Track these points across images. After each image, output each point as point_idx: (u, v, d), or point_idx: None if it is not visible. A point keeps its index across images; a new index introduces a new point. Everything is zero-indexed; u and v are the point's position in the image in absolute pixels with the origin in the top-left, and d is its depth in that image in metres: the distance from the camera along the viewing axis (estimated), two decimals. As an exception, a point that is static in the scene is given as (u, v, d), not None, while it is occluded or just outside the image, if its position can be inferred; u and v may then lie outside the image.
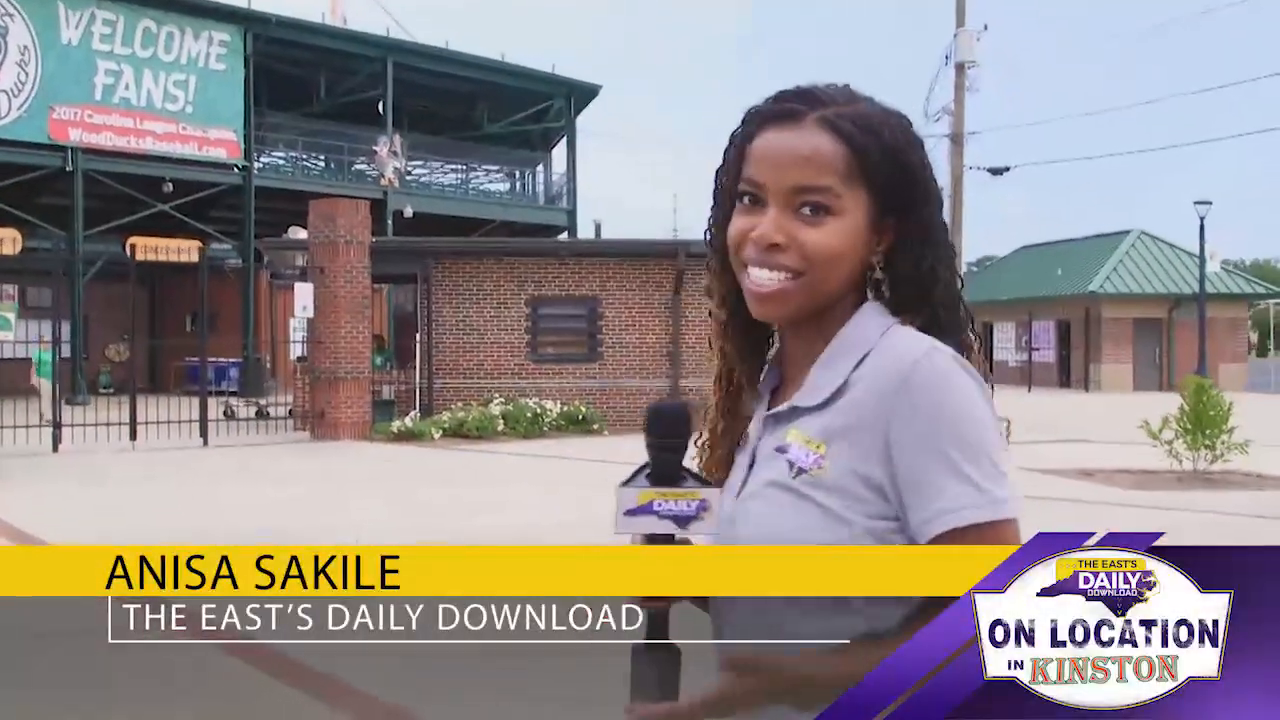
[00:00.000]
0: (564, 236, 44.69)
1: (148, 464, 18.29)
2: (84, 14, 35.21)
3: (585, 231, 46.66)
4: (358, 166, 44.62)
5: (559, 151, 49.58)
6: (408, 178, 43.48)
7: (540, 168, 50.07)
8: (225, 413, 24.94)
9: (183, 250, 29.32)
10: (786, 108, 1.79)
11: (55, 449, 19.66)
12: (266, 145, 41.52)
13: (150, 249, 22.03)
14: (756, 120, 1.81)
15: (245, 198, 38.72)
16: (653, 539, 1.73)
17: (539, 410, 22.94)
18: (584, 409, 23.73)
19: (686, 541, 1.74)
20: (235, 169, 38.74)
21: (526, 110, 46.82)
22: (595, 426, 23.59)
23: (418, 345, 24.66)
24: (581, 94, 48.21)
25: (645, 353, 25.07)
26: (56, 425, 20.01)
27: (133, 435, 20.64)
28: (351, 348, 22.27)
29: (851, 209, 1.75)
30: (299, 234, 32.83)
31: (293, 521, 12.47)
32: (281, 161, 43.42)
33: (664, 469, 1.76)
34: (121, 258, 33.14)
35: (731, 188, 1.81)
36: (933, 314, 1.81)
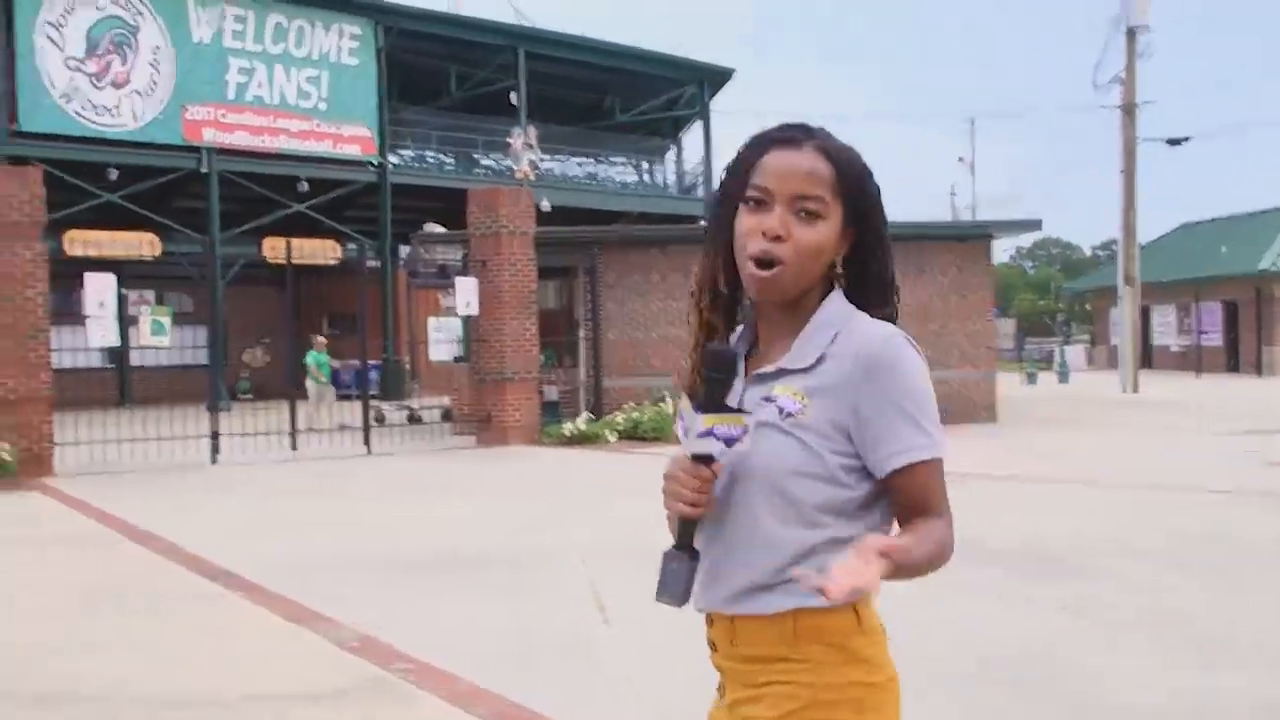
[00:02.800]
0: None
1: (315, 475, 17.07)
2: (214, 11, 34.45)
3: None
4: (486, 161, 43.64)
5: (688, 139, 48.25)
6: (539, 169, 42.27)
7: (671, 157, 48.76)
8: (375, 417, 23.80)
9: (325, 251, 28.33)
10: (790, 135, 2.33)
11: (214, 460, 18.53)
12: (400, 140, 40.49)
13: (299, 251, 20.80)
14: (765, 143, 2.33)
15: (381, 195, 37.78)
16: (698, 458, 2.21)
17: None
18: (761, 407, 22.14)
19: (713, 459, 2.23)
20: (370, 166, 37.80)
21: (658, 98, 45.42)
22: (773, 425, 21.98)
23: (581, 342, 23.29)
24: (715, 79, 46.74)
25: (822, 345, 23.44)
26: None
27: (293, 444, 19.47)
28: (519, 346, 20.88)
29: (832, 216, 2.28)
30: (436, 230, 31.80)
31: (511, 540, 11.08)
32: (410, 157, 42.37)
33: (715, 398, 2.24)
34: (258, 260, 32.38)
35: (739, 194, 2.31)
36: (882, 303, 2.36)
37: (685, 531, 2.25)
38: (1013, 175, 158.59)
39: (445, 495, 14.97)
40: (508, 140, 40.80)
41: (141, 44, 33.18)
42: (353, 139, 37.20)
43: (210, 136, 34.27)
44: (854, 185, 2.28)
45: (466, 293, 20.55)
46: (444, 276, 40.36)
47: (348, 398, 34.44)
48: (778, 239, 2.22)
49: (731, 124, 68.69)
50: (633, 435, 20.08)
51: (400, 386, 34.06)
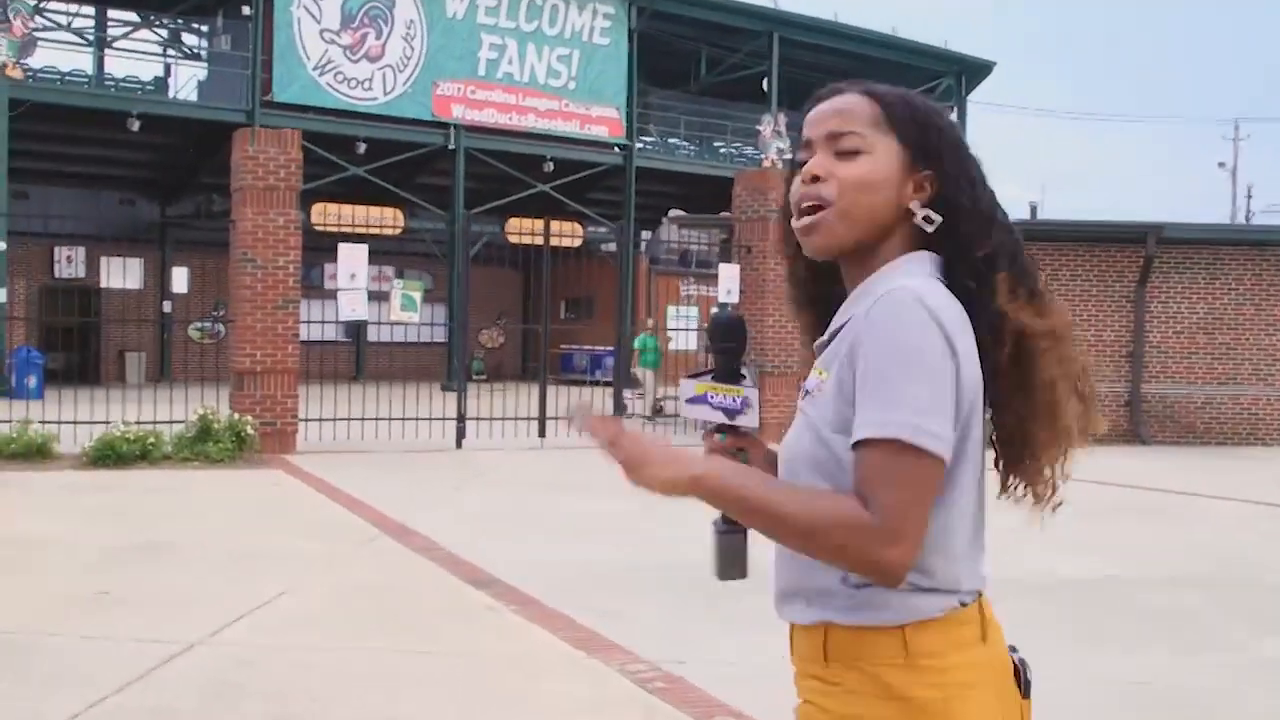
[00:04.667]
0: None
1: (567, 466, 16.00)
2: (470, -14, 34.00)
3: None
4: (725, 149, 42.57)
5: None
6: (785, 158, 40.99)
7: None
8: (618, 407, 22.89)
9: (568, 233, 27.55)
10: (833, 88, 2.12)
11: (459, 444, 17.71)
12: (643, 124, 39.58)
13: (557, 233, 19.85)
14: (812, 102, 2.12)
15: (626, 178, 36.94)
16: (719, 427, 2.13)
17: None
18: (1034, 416, 20.55)
19: (744, 431, 2.14)
20: (616, 149, 36.97)
21: (913, 89, 43.52)
22: (1046, 437, 20.40)
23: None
24: (973, 71, 44.90)
25: (1102, 352, 21.66)
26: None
27: (541, 432, 18.51)
28: (780, 338, 19.58)
29: (881, 151, 2.02)
30: (679, 216, 30.82)
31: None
32: (651, 142, 41.46)
33: (723, 369, 2.14)
34: (497, 239, 31.84)
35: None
36: (981, 240, 2.00)
37: None
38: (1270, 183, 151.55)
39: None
40: (756, 128, 39.64)
41: (396, 18, 32.91)
42: (600, 120, 36.45)
43: (459, 113, 33.87)
44: (907, 118, 2.06)
45: (729, 279, 19.35)
46: (685, 263, 39.56)
47: (582, 383, 33.81)
48: (816, 179, 2.03)
49: (989, 117, 66.65)
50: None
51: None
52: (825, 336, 2.03)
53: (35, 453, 14.70)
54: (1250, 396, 21.90)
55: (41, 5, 33.56)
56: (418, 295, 18.18)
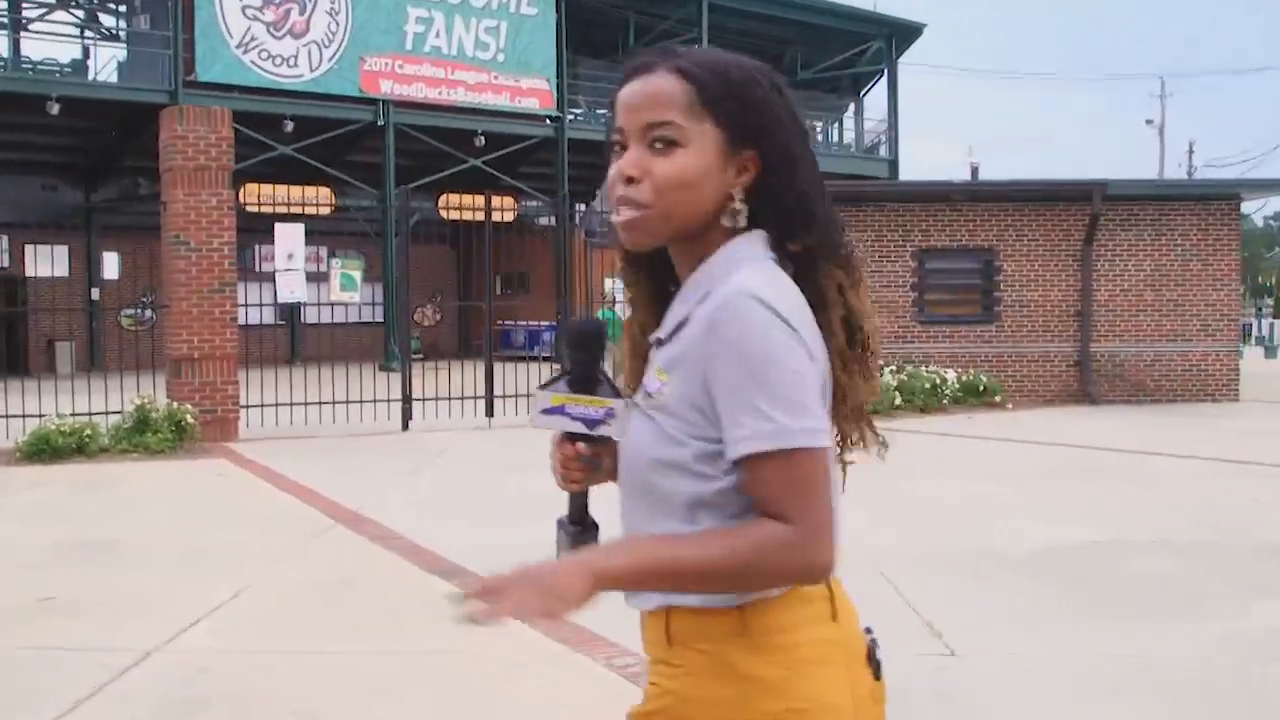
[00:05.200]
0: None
1: (518, 445, 15.52)
2: (394, -42, 33.30)
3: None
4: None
5: (869, 96, 46.32)
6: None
7: (851, 115, 46.75)
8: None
9: (502, 207, 27.11)
10: (643, 63, 1.96)
11: (405, 426, 17.26)
12: (572, 95, 39.08)
13: (473, 206, 19.38)
14: (622, 78, 1.99)
15: (558, 151, 36.45)
16: (571, 436, 2.01)
17: (939, 380, 19.70)
18: (984, 379, 20.42)
19: (602, 440, 2.00)
20: (547, 120, 36.48)
21: (842, 53, 43.37)
22: (997, 398, 20.29)
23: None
24: (904, 34, 44.66)
25: (1049, 312, 21.53)
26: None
27: (489, 411, 18.06)
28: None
29: (698, 140, 1.90)
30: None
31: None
32: (581, 113, 40.96)
33: (580, 376, 1.99)
34: (430, 216, 31.30)
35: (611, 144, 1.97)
36: (809, 238, 1.94)
37: (573, 504, 2.09)
38: (1188, 142, 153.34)
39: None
40: (689, 96, 39.21)
41: (320, -8, 32.18)
42: (531, 92, 35.92)
43: (388, 88, 33.23)
44: (723, 96, 1.92)
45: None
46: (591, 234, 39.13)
47: (520, 359, 33.39)
48: (630, 180, 1.92)
49: (922, 79, 66.66)
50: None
51: (576, 349, 32.82)
52: (663, 334, 1.96)
53: (-35, 450, 14.16)
54: (1199, 352, 21.84)
55: (-48, -12, 32.63)
56: (358, 274, 17.73)
